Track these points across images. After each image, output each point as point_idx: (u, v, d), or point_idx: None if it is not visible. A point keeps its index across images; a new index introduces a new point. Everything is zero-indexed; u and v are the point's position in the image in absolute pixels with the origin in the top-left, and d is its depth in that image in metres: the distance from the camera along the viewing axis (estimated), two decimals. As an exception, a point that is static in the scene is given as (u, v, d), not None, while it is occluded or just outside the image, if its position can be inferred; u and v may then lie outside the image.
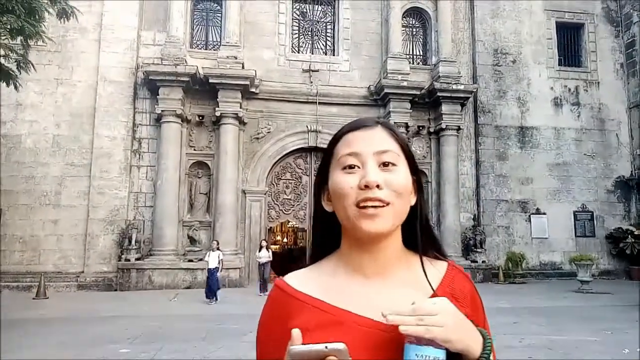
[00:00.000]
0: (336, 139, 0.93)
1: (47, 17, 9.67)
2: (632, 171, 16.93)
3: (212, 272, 10.93)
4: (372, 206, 0.83)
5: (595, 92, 17.31)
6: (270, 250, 12.92)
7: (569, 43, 17.73)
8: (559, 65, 17.27)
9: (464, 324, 0.76)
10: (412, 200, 0.92)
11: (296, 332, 0.71)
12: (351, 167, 0.87)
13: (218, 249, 11.57)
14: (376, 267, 0.89)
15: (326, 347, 0.67)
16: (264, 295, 11.71)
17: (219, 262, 11.15)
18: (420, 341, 0.72)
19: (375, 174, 0.84)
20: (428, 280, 0.89)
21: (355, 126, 0.92)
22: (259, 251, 12.60)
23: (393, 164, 0.87)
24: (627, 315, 9.01)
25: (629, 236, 15.75)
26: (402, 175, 0.87)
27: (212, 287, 10.79)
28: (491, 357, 0.78)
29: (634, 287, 13.66)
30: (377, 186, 0.84)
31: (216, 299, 10.78)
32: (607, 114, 17.24)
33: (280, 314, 0.88)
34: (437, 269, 0.92)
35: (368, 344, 0.78)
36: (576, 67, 17.51)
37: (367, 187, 0.84)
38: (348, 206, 0.85)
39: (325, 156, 0.94)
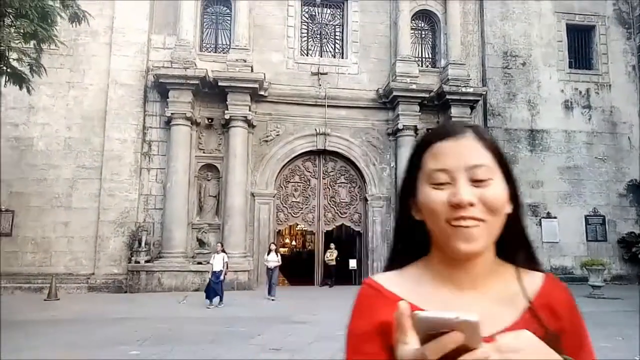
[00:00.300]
0: (422, 146, 0.88)
1: (60, 21, 9.80)
2: (644, 175, 16.73)
3: (217, 275, 10.83)
4: (466, 226, 0.79)
5: (606, 94, 17.14)
6: (279, 254, 12.71)
7: (580, 45, 17.58)
8: (569, 67, 17.13)
9: (547, 355, 0.72)
10: (508, 209, 0.85)
11: (404, 303, 0.66)
12: (440, 184, 0.82)
13: (223, 251, 11.40)
14: (468, 279, 0.85)
15: (457, 317, 0.60)
16: (271, 299, 11.65)
17: (223, 265, 11.01)
18: None
19: (467, 192, 0.79)
20: (526, 292, 0.85)
21: (444, 134, 0.86)
22: (268, 254, 12.39)
23: (488, 179, 0.81)
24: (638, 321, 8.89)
25: (642, 241, 15.55)
26: (497, 189, 0.82)
27: (215, 290, 10.70)
28: None
29: (647, 292, 13.48)
30: (471, 204, 0.79)
31: (221, 302, 10.70)
32: (619, 117, 17.06)
33: (370, 310, 0.85)
34: (532, 281, 0.88)
35: (456, 354, 0.77)
36: (587, 70, 17.36)
37: (459, 206, 0.79)
38: (440, 223, 0.81)
39: (411, 164, 0.89)
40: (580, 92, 17.00)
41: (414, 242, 0.91)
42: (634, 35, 17.49)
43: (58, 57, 13.72)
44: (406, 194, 0.90)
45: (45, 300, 11.52)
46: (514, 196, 0.87)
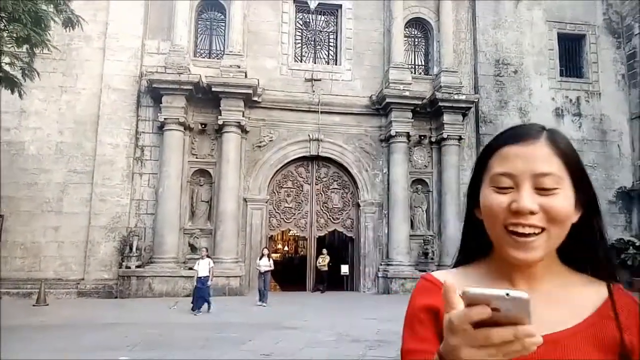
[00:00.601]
0: (491, 149, 0.86)
1: (53, 26, 9.79)
2: (633, 182, 16.90)
3: (202, 281, 10.55)
4: (524, 233, 0.77)
5: (596, 103, 17.34)
6: (271, 259, 12.60)
7: (571, 54, 17.80)
8: (560, 76, 17.32)
9: None
10: (575, 217, 0.83)
11: (449, 281, 0.64)
12: (504, 188, 0.81)
13: (208, 256, 11.20)
14: (523, 279, 0.85)
15: (507, 294, 0.58)
16: (262, 305, 11.55)
17: (209, 271, 10.74)
18: None
19: (530, 200, 0.78)
20: (612, 300, 0.83)
21: (515, 138, 0.84)
22: (260, 259, 12.28)
23: (553, 189, 0.79)
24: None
25: (631, 247, 15.67)
26: (562, 200, 0.79)
27: (202, 297, 10.44)
28: None
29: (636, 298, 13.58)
30: (531, 212, 0.77)
31: (209, 309, 10.48)
32: (609, 125, 17.25)
33: (425, 297, 0.86)
34: (599, 290, 0.85)
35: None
36: (577, 78, 17.56)
37: (519, 212, 0.78)
38: (497, 227, 0.81)
39: (479, 165, 0.88)
40: (571, 100, 17.19)
41: (477, 241, 0.90)
42: (624, 45, 17.74)
43: (51, 62, 13.69)
44: (472, 194, 0.90)
45: (34, 305, 11.42)
46: (587, 204, 0.85)
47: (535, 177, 0.79)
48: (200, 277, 10.57)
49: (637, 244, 15.66)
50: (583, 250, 0.87)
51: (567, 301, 0.83)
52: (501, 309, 0.58)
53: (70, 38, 13.59)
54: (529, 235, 0.78)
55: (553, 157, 0.81)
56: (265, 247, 13.04)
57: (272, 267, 12.35)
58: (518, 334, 0.58)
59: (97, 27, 14.26)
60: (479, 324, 0.59)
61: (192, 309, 10.42)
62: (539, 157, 0.81)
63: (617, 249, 16.04)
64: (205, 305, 10.54)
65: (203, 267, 10.73)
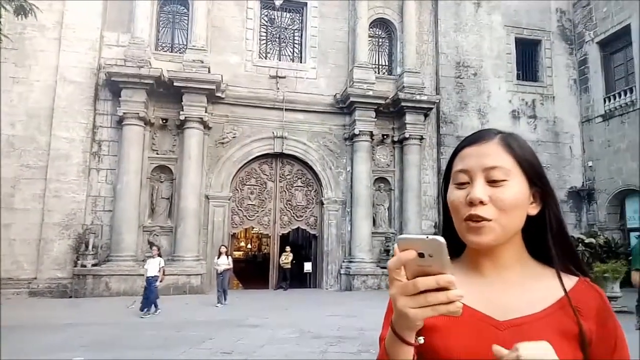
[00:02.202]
0: (456, 152, 0.98)
1: (4, 14, 9.33)
2: (583, 182, 17.76)
3: (150, 282, 9.97)
4: (477, 220, 0.87)
5: (550, 106, 18.09)
6: (230, 257, 12.10)
7: (527, 58, 18.49)
8: (517, 79, 17.97)
9: None
10: (533, 210, 0.92)
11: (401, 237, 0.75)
12: (462, 184, 0.91)
13: (159, 255, 10.63)
14: (492, 268, 0.93)
15: (427, 237, 0.70)
16: (222, 306, 11.15)
17: (159, 270, 10.18)
18: None
19: (481, 191, 0.88)
20: (562, 282, 0.89)
21: (472, 140, 0.95)
22: (218, 258, 11.78)
23: (502, 180, 0.88)
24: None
25: (580, 244, 16.39)
26: (511, 190, 0.88)
27: (149, 298, 9.90)
28: None
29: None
30: (481, 202, 0.87)
31: (156, 310, 9.97)
32: (562, 127, 18.04)
33: None
34: (565, 281, 0.91)
35: (478, 335, 0.85)
36: (533, 82, 18.27)
37: (472, 203, 0.87)
38: (458, 220, 0.91)
39: (447, 167, 1.00)
40: (527, 103, 17.86)
41: (455, 238, 0.97)
42: (575, 51, 18.58)
43: (1, 51, 13.04)
44: (444, 194, 1.00)
45: (-18, 306, 10.86)
46: (544, 198, 0.93)
47: (486, 170, 0.89)
48: (148, 277, 10.02)
49: (585, 241, 16.42)
50: (548, 243, 0.94)
51: (532, 290, 0.90)
52: (425, 253, 0.69)
53: (22, 27, 12.99)
54: (481, 221, 0.87)
55: (503, 154, 0.91)
56: (223, 245, 12.46)
57: (231, 266, 11.88)
58: (439, 281, 0.69)
59: (52, 16, 13.70)
60: (413, 276, 0.70)
61: (141, 309, 9.88)
62: (489, 153, 0.91)
63: (568, 246, 16.83)
64: (153, 306, 10.03)
65: (152, 267, 10.18)
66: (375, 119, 15.39)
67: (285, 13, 16.58)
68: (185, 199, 13.64)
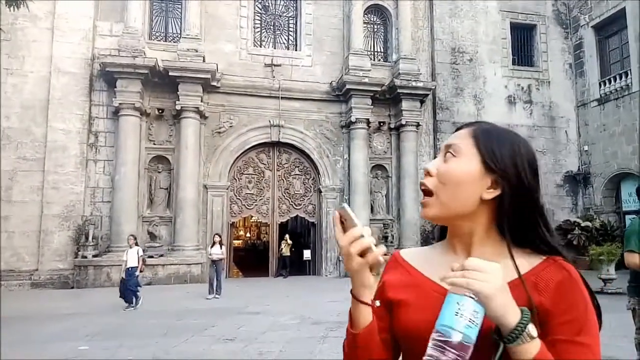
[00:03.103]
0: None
1: (-4, 5, 9.25)
2: (579, 166, 17.88)
3: (130, 272, 9.57)
4: (423, 192, 0.97)
5: (546, 90, 18.13)
6: (224, 246, 11.70)
7: (522, 43, 18.47)
8: (512, 64, 17.96)
9: (507, 293, 0.79)
10: (488, 195, 0.94)
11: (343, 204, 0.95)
12: None
13: (136, 244, 10.24)
14: (462, 246, 1.00)
15: (341, 205, 0.93)
16: (214, 298, 10.74)
17: (138, 260, 9.79)
18: (463, 292, 0.78)
19: (432, 163, 0.97)
20: (515, 264, 0.91)
21: (459, 129, 1.04)
22: (211, 247, 11.46)
23: (452, 155, 0.96)
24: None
25: (576, 228, 16.62)
26: (454, 165, 0.95)
27: (129, 289, 9.49)
28: (530, 331, 0.78)
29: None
30: (429, 173, 0.96)
31: (137, 302, 9.57)
32: (557, 112, 18.10)
33: (384, 274, 1.08)
34: (529, 260, 0.93)
35: (427, 304, 0.93)
36: (529, 67, 18.27)
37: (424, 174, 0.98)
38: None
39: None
40: (522, 88, 17.89)
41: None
42: (571, 35, 18.56)
43: (-6, 42, 12.93)
44: None
45: (-17, 298, 10.94)
46: (514, 186, 0.94)
47: (446, 147, 0.99)
48: (128, 268, 9.60)
49: (582, 225, 16.61)
50: (523, 226, 0.96)
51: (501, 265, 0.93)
52: (345, 220, 0.92)
53: (14, 17, 12.84)
54: (427, 195, 0.98)
55: (466, 137, 0.98)
56: (217, 234, 12.02)
57: (224, 256, 11.63)
58: (361, 230, 0.89)
59: (44, 6, 13.55)
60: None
61: (125, 301, 9.47)
62: (457, 135, 1.00)
63: (564, 229, 16.99)
64: (134, 299, 9.62)
65: (132, 257, 9.77)
66: (372, 106, 15.40)
67: (279, 0, 16.46)
68: (183, 189, 13.68)
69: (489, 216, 0.97)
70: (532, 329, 0.79)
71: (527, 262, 0.94)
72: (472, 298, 0.77)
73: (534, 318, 0.83)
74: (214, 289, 10.92)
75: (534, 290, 0.87)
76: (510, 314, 0.79)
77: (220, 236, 11.86)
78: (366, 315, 0.93)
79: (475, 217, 0.96)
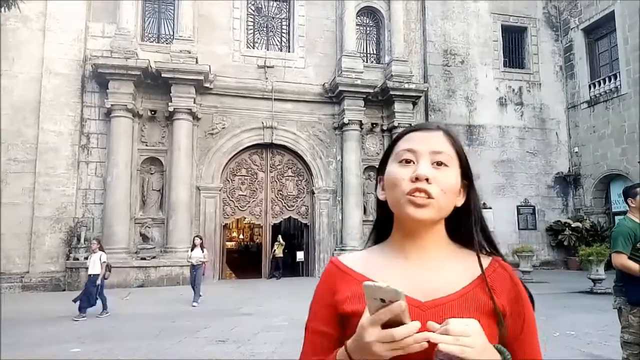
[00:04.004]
0: (398, 137, 1.03)
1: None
2: (569, 167, 18.06)
3: (92, 280, 8.91)
4: (420, 196, 0.92)
5: (537, 92, 18.30)
6: (205, 249, 10.91)
7: (514, 45, 18.64)
8: (504, 66, 18.12)
9: (489, 348, 0.82)
10: (459, 201, 1.00)
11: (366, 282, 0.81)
12: (407, 161, 0.96)
13: (101, 249, 9.39)
14: (414, 249, 0.99)
15: (388, 286, 0.78)
16: (198, 305, 9.95)
17: (101, 266, 9.04)
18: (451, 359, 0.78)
19: (427, 169, 0.94)
20: (481, 264, 0.96)
21: (418, 128, 1.02)
22: (191, 250, 10.69)
23: (445, 165, 0.96)
24: (562, 302, 9.70)
25: (567, 229, 16.80)
26: (451, 176, 0.96)
27: (90, 298, 8.74)
28: None
29: (570, 276, 14.65)
30: (427, 180, 0.93)
31: (105, 310, 8.88)
32: (548, 114, 18.28)
33: (330, 284, 1.01)
34: (478, 263, 0.98)
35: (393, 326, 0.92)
36: (520, 69, 18.45)
37: (417, 179, 0.93)
38: (399, 195, 0.95)
39: (386, 152, 1.04)
40: (514, 90, 18.05)
41: (387, 222, 1.05)
42: (561, 38, 18.77)
43: (-17, 43, 12.84)
44: (377, 178, 1.07)
45: (-26, 301, 10.84)
46: (470, 193, 1.02)
47: (433, 153, 0.96)
48: (90, 275, 9.00)
49: (572, 226, 16.79)
50: (468, 229, 1.02)
51: (452, 271, 0.97)
52: (386, 299, 0.78)
53: (5, 18, 12.77)
54: (426, 197, 0.93)
55: (447, 143, 0.99)
56: (197, 236, 11.18)
57: (206, 259, 10.81)
58: (410, 330, 0.78)
59: (35, 7, 13.48)
60: (385, 326, 0.79)
61: (79, 310, 8.69)
62: (436, 139, 0.99)
63: (555, 230, 17.17)
64: (96, 308, 8.95)
65: (94, 263, 9.07)
66: (364, 108, 15.46)
67: (272, 2, 16.50)
68: (176, 191, 13.65)
69: (443, 219, 1.01)
70: None
71: (476, 264, 0.98)
72: None
73: (503, 325, 0.90)
74: (196, 295, 10.14)
75: (494, 293, 0.93)
76: None
77: (201, 238, 11.08)
78: None
79: (442, 221, 1.00)
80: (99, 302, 9.04)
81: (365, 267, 1.00)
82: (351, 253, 1.10)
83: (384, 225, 1.07)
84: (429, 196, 0.93)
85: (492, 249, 1.03)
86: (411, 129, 1.03)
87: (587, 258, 11.51)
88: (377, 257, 1.03)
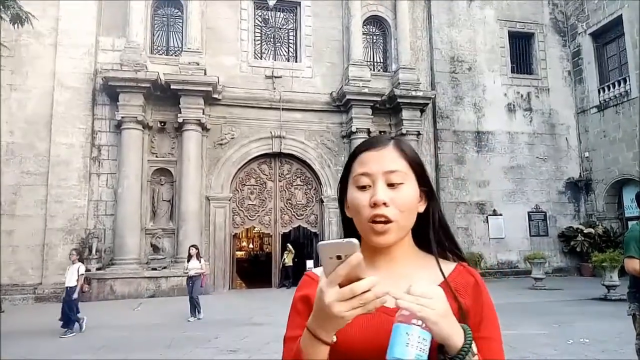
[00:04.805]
0: (354, 155, 1.06)
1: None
2: (580, 173, 17.90)
3: (68, 293, 8.37)
4: (380, 222, 0.96)
5: (545, 98, 18.21)
6: (202, 259, 10.28)
7: (521, 51, 18.60)
8: (511, 72, 18.08)
9: (451, 315, 0.84)
10: (421, 208, 1.04)
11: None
12: (364, 187, 1.00)
13: (80, 260, 8.94)
14: (384, 262, 1.03)
15: (343, 240, 0.79)
16: (194, 320, 9.45)
17: (78, 278, 8.51)
18: (409, 321, 0.79)
19: (383, 193, 0.97)
20: (441, 270, 1.01)
21: (370, 145, 1.04)
22: (188, 261, 10.04)
23: (400, 183, 0.99)
24: (575, 309, 9.58)
25: (579, 234, 16.61)
26: (406, 193, 0.99)
27: (68, 313, 8.26)
28: (473, 349, 0.84)
29: (583, 282, 14.46)
30: (384, 204, 0.96)
31: (74, 326, 8.33)
32: (557, 119, 18.17)
33: (303, 293, 1.05)
34: (445, 267, 1.04)
35: (370, 323, 0.93)
36: (528, 75, 18.39)
37: (375, 204, 0.96)
38: (362, 221, 0.99)
39: (345, 170, 1.08)
40: (522, 96, 17.98)
41: (353, 235, 1.07)
42: (569, 43, 18.70)
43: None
44: (341, 196, 1.10)
45: (-12, 313, 10.96)
46: (430, 198, 1.06)
47: (386, 174, 0.99)
48: (66, 288, 8.46)
49: (585, 232, 16.60)
50: (435, 235, 1.07)
51: (419, 278, 0.99)
52: (342, 255, 0.78)
53: (18, 34, 13.01)
54: (385, 223, 0.97)
55: (399, 158, 1.02)
56: (193, 246, 10.37)
57: (204, 270, 10.11)
58: (369, 282, 0.78)
59: (47, 23, 13.76)
60: (343, 284, 0.79)
61: (62, 327, 8.27)
62: (388, 158, 1.01)
63: (567, 236, 16.98)
64: (78, 324, 8.46)
65: (70, 275, 8.53)
66: (372, 116, 15.49)
67: (279, 13, 16.65)
68: (186, 201, 13.74)
69: (409, 229, 1.05)
70: (474, 346, 0.85)
71: (444, 269, 1.03)
72: (419, 326, 0.79)
73: (467, 321, 0.92)
74: (196, 310, 9.55)
75: (458, 294, 0.97)
76: (456, 334, 0.83)
77: (197, 248, 10.32)
78: (324, 353, 0.86)
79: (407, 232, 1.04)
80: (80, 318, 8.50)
81: None
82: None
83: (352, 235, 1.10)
84: (388, 220, 0.96)
85: (457, 254, 1.08)
86: (363, 147, 1.05)
87: (600, 264, 11.37)
88: None
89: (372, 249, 1.03)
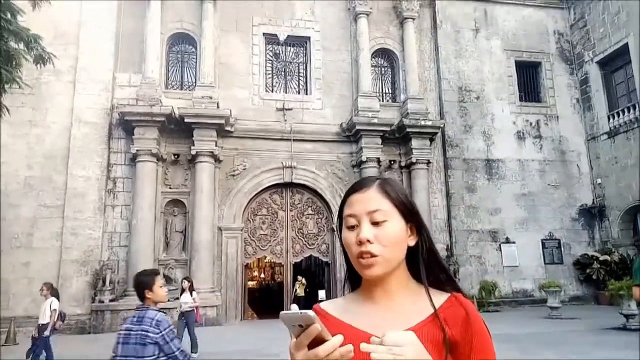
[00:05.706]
0: (344, 199, 1.16)
1: (23, 63, 9.85)
2: (593, 199, 17.75)
3: (41, 330, 7.78)
4: (366, 258, 1.05)
5: (555, 125, 18.28)
6: (195, 292, 9.55)
7: (528, 80, 18.80)
8: (520, 100, 18.23)
9: (422, 355, 0.90)
10: (412, 242, 1.12)
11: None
12: (352, 226, 1.10)
13: (53, 295, 8.19)
14: (383, 295, 1.11)
15: (300, 312, 0.86)
16: (197, 356, 8.83)
17: (51, 315, 7.77)
18: None
19: (367, 231, 1.06)
20: (432, 302, 1.08)
21: (357, 188, 1.14)
22: (181, 294, 9.51)
23: (383, 221, 1.07)
24: (593, 339, 9.38)
25: (595, 262, 16.33)
26: (389, 229, 1.07)
27: (37, 353, 7.68)
28: None
29: (601, 311, 14.14)
30: (368, 241, 1.05)
31: None
32: (567, 146, 18.17)
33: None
34: (437, 298, 1.10)
35: (362, 353, 1.00)
36: (536, 103, 18.52)
37: (361, 242, 1.06)
38: (353, 258, 1.10)
39: (339, 212, 1.17)
40: (531, 124, 18.07)
41: (355, 272, 1.18)
42: (576, 71, 18.88)
43: (19, 96, 13.54)
44: (339, 233, 1.20)
45: (2, 345, 11.05)
46: (419, 231, 1.14)
47: (369, 213, 1.08)
48: (39, 325, 7.84)
49: (600, 259, 16.33)
50: (428, 266, 1.14)
51: (412, 309, 1.09)
52: (303, 324, 0.87)
53: (39, 72, 13.51)
54: (371, 257, 1.06)
55: (381, 199, 1.10)
56: (185, 279, 9.86)
57: (197, 304, 9.41)
58: (335, 344, 0.88)
59: (67, 61, 14.31)
60: (312, 346, 0.88)
61: None
62: (371, 199, 1.10)
63: (582, 264, 16.70)
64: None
65: (43, 311, 7.90)
66: (382, 146, 15.66)
67: (289, 47, 17.13)
68: (198, 232, 13.88)
69: (403, 262, 1.13)
70: None
71: (436, 300, 1.10)
72: None
73: (448, 349, 1.01)
74: (193, 346, 8.91)
75: (446, 325, 1.03)
76: None
77: (190, 281, 9.70)
78: None
79: (399, 264, 1.12)
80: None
81: (340, 313, 1.13)
82: (331, 300, 1.24)
83: (354, 272, 1.20)
84: (373, 255, 1.05)
85: (451, 285, 1.15)
86: (351, 190, 1.15)
87: (617, 292, 11.18)
88: (351, 304, 1.16)
89: (369, 282, 1.12)
